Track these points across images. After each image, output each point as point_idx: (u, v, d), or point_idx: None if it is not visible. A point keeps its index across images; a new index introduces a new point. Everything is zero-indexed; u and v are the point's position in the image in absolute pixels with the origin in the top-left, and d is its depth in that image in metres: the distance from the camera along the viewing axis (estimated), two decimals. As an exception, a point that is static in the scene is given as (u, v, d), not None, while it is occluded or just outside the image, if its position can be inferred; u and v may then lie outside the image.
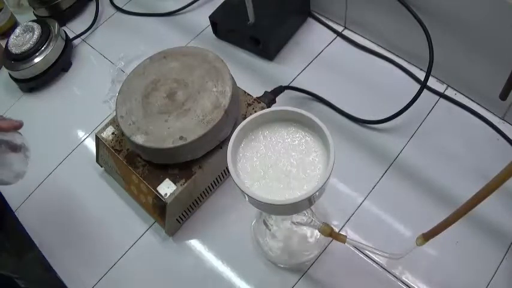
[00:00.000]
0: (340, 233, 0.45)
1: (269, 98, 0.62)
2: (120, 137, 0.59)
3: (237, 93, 0.58)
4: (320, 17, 0.75)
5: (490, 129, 0.60)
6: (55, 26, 0.79)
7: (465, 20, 0.54)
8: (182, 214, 0.57)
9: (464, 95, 0.63)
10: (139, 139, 0.52)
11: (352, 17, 0.71)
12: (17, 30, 0.78)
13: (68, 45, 0.81)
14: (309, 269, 0.53)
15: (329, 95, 0.65)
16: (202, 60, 0.57)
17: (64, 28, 0.85)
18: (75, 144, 0.71)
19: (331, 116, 0.64)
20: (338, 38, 0.73)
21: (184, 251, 0.57)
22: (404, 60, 0.68)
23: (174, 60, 0.58)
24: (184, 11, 0.83)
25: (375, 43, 0.71)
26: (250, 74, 0.71)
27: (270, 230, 0.54)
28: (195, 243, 0.58)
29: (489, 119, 0.60)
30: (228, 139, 0.46)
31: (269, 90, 0.64)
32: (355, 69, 0.69)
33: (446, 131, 0.61)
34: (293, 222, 0.49)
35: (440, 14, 0.56)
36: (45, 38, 0.77)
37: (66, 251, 0.60)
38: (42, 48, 0.76)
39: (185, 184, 0.54)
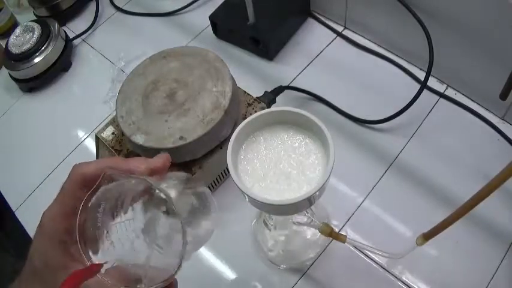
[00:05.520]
0: (340, 233, 0.45)
1: (269, 98, 0.62)
2: (120, 137, 0.59)
3: (237, 93, 0.58)
4: (320, 17, 0.75)
5: (490, 129, 0.59)
6: (55, 26, 0.79)
7: (465, 20, 0.54)
8: (182, 214, 0.57)
9: (464, 95, 0.63)
10: (139, 139, 0.52)
11: (352, 17, 0.71)
12: (17, 30, 0.78)
13: (68, 45, 0.81)
14: (309, 269, 0.53)
15: (329, 95, 0.65)
16: (202, 60, 0.57)
17: (64, 28, 0.85)
18: (75, 144, 0.71)
19: (331, 116, 0.64)
20: (338, 38, 0.73)
21: (185, 251, 0.57)
22: (405, 60, 0.68)
23: (174, 60, 0.58)
24: (184, 11, 0.83)
25: (375, 43, 0.71)
26: (250, 74, 0.71)
27: (270, 230, 0.54)
28: (195, 243, 0.58)
29: (489, 119, 0.60)
30: (228, 139, 0.46)
31: (269, 90, 0.64)
32: (355, 69, 0.69)
33: (446, 131, 0.61)
34: (293, 222, 0.49)
35: (440, 14, 0.56)
36: (45, 38, 0.77)
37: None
38: (42, 48, 0.76)
39: (185, 184, 0.54)
